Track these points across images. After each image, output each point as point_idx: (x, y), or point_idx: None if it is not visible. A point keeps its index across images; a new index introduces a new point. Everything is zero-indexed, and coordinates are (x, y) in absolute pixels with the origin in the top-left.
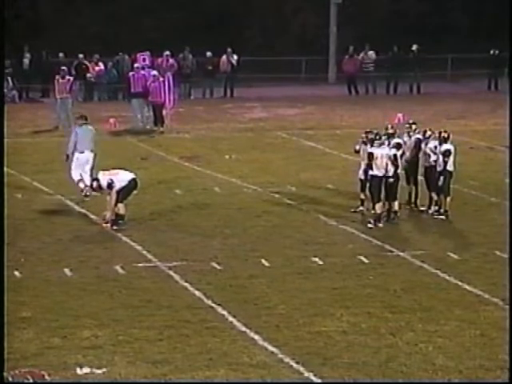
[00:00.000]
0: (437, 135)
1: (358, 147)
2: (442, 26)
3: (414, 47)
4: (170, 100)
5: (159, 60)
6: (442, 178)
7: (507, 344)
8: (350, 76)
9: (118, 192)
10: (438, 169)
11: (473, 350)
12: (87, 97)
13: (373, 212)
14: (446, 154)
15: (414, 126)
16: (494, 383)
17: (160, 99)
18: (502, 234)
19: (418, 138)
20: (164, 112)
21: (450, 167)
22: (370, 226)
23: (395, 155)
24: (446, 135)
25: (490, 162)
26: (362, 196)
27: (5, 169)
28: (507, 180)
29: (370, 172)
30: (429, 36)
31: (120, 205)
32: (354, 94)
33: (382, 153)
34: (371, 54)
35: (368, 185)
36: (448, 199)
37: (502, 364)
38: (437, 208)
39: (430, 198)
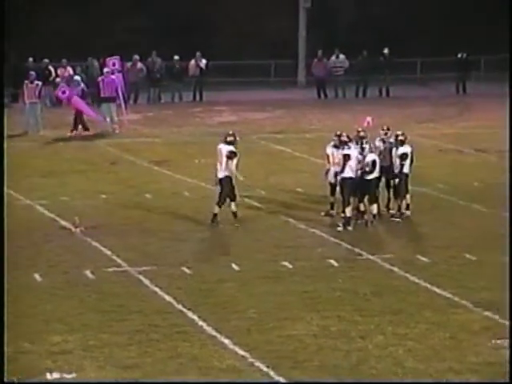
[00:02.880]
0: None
1: (328, 150)
2: (410, 29)
3: (386, 51)
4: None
5: (128, 64)
6: (397, 180)
7: (476, 346)
8: (320, 79)
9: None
10: (395, 171)
11: (442, 352)
12: (56, 102)
13: (342, 215)
14: (403, 157)
15: (389, 133)
16: (494, 383)
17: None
18: (471, 237)
19: (390, 143)
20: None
21: (406, 170)
22: (339, 229)
23: (374, 161)
24: (402, 138)
25: (458, 165)
26: (332, 199)
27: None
28: (476, 183)
29: (343, 174)
30: (398, 39)
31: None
32: (323, 97)
33: (355, 155)
34: (343, 58)
35: (340, 187)
36: (404, 202)
37: (471, 367)
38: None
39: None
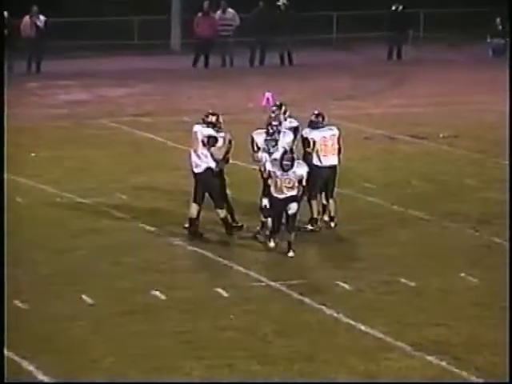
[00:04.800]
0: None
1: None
2: None
3: (280, 1)
4: None
5: None
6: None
7: None
8: (205, 41)
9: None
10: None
11: None
12: None
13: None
14: (305, 143)
15: (283, 108)
16: (494, 383)
17: None
18: (408, 256)
19: (294, 127)
20: None
21: (315, 160)
22: (271, 245)
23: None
24: (313, 118)
25: (390, 158)
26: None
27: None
28: (414, 181)
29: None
30: None
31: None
32: (204, 66)
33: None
34: (231, 13)
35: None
36: (318, 206)
37: None
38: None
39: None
